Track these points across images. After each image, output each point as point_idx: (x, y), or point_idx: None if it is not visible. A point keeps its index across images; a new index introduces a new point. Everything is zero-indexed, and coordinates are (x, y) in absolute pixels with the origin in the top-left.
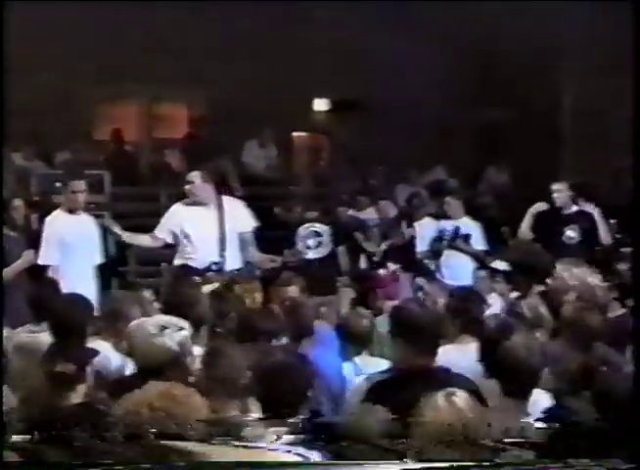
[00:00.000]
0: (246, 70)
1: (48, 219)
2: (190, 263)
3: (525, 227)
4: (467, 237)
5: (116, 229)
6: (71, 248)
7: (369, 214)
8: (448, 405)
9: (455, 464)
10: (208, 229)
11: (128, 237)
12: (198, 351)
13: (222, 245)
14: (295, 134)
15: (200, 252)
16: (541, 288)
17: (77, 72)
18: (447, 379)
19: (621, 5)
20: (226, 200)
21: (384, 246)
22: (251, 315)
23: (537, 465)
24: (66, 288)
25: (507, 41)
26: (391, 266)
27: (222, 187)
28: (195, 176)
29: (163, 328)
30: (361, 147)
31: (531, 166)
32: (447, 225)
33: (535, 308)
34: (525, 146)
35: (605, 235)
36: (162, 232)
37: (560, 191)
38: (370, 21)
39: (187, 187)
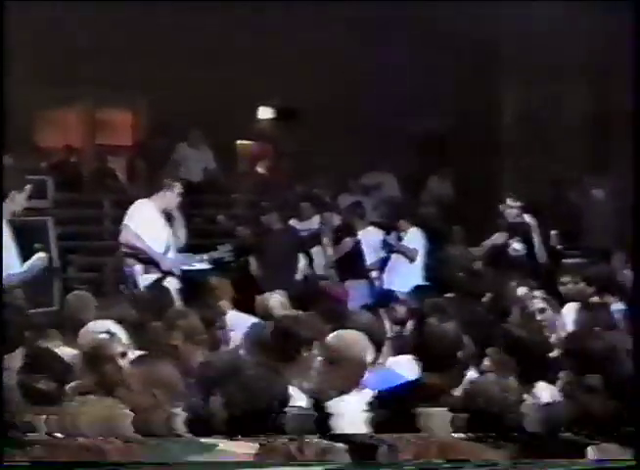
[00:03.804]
0: (190, 76)
1: None
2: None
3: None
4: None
5: None
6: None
7: (313, 224)
8: None
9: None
10: (161, 241)
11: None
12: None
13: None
14: (239, 142)
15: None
16: None
17: (19, 76)
18: None
19: (567, 12)
20: None
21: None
22: None
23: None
24: None
25: (450, 49)
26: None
27: None
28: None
29: (90, 328)
30: (305, 156)
31: (474, 176)
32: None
33: None
34: (468, 155)
35: (539, 247)
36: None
37: (512, 207)
38: (316, 28)
39: (170, 193)
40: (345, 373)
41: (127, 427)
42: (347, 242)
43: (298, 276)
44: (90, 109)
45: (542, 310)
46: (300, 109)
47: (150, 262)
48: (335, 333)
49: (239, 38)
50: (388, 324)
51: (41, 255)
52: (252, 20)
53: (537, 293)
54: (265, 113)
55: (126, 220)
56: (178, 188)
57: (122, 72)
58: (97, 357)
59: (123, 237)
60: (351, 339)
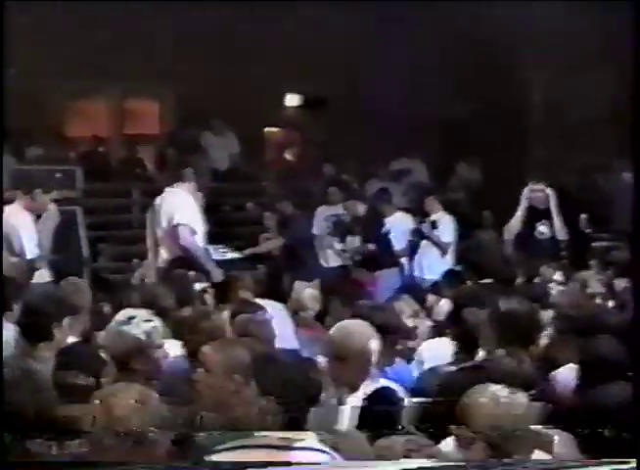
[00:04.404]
0: (216, 65)
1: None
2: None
3: (516, 219)
4: (433, 224)
5: None
6: None
7: (341, 210)
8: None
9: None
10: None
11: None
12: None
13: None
14: (266, 130)
15: None
16: None
17: (48, 68)
18: None
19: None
20: None
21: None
22: None
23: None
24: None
25: (477, 37)
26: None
27: None
28: None
29: (131, 318)
30: (333, 142)
31: (501, 162)
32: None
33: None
34: (495, 141)
35: (560, 231)
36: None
37: (539, 191)
38: (340, 17)
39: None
40: (352, 365)
41: (162, 413)
42: (369, 246)
43: (331, 264)
44: (118, 99)
45: (602, 294)
46: (330, 97)
47: (197, 269)
48: (336, 325)
49: (265, 27)
50: (419, 311)
51: (50, 206)
52: (278, 10)
53: (599, 276)
54: (293, 100)
55: (178, 217)
56: (204, 176)
57: (151, 63)
58: (146, 347)
59: (183, 238)
60: (353, 328)
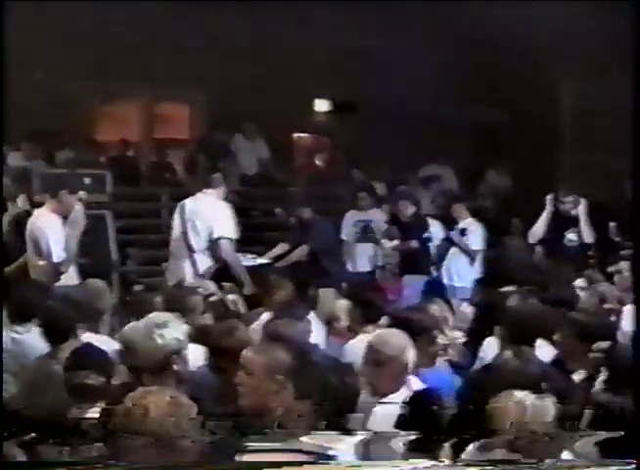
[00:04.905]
0: (246, 70)
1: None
2: None
3: (541, 224)
4: (463, 231)
5: None
6: None
7: (372, 215)
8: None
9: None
10: None
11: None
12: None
13: None
14: (295, 135)
15: None
16: None
17: (78, 71)
18: None
19: (620, 4)
20: None
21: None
22: None
23: None
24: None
25: (506, 41)
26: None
27: None
28: None
29: (167, 321)
30: (363, 148)
31: (530, 168)
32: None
33: None
34: (524, 147)
35: (587, 234)
36: None
37: (568, 203)
38: (369, 21)
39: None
40: (388, 373)
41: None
42: (413, 243)
43: (359, 269)
44: (148, 103)
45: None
46: (358, 101)
47: (233, 281)
48: (375, 333)
49: (297, 32)
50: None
51: (77, 207)
52: (304, 16)
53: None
54: (322, 105)
55: (218, 230)
56: (233, 181)
57: (182, 67)
58: (181, 350)
59: (225, 252)
60: (390, 338)
